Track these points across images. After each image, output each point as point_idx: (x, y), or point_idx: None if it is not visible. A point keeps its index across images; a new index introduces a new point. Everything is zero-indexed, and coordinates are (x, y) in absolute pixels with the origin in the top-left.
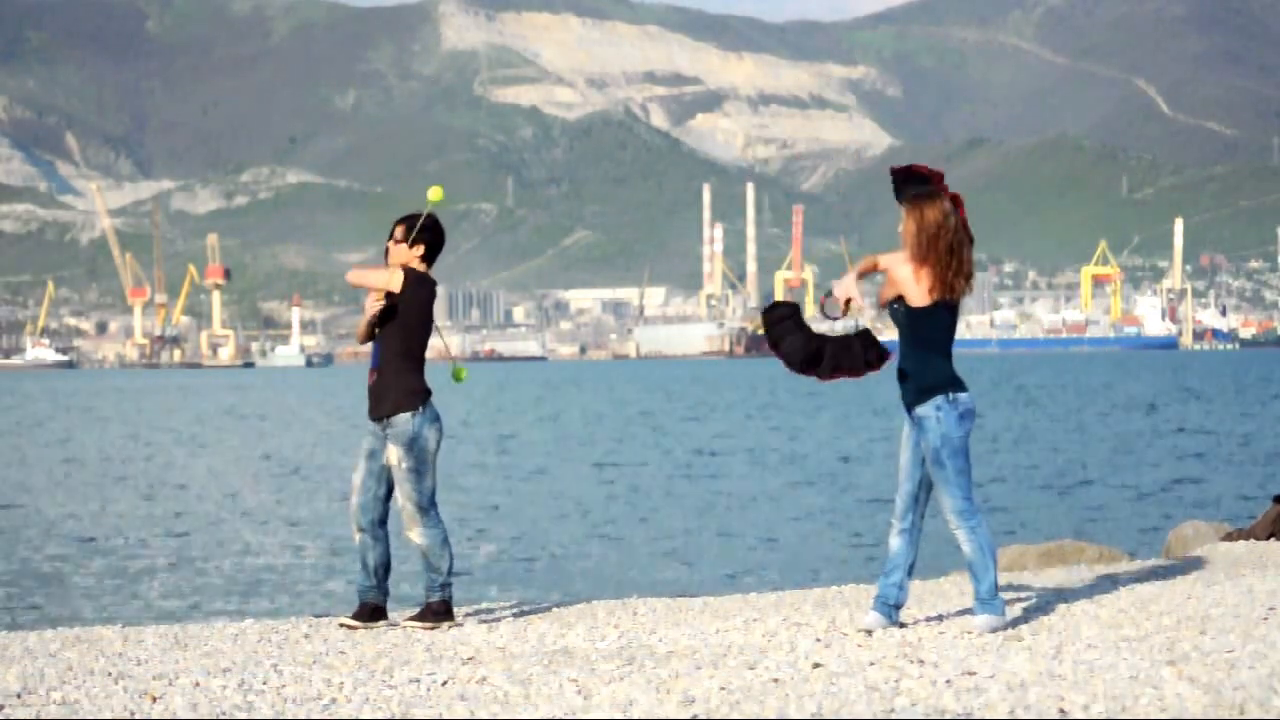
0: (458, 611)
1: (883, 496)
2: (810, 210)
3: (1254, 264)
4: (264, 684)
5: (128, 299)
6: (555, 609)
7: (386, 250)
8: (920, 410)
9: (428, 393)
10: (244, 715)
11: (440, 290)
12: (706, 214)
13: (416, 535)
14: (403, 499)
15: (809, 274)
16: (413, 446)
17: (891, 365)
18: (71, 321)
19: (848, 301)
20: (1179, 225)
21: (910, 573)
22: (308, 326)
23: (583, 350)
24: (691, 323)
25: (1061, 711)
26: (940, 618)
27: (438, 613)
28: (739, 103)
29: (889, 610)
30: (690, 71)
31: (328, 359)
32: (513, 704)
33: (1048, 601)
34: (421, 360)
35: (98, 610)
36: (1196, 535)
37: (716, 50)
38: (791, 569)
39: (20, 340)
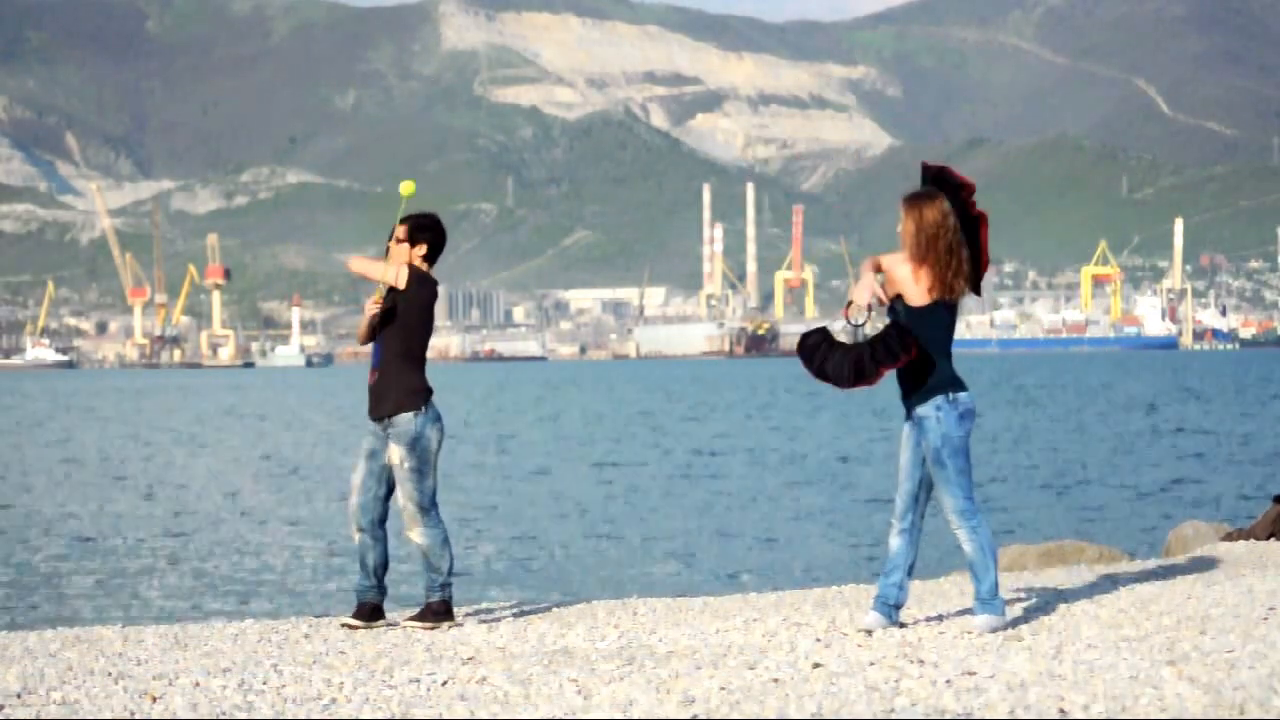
0: (458, 611)
1: (882, 496)
2: (810, 210)
3: (1254, 264)
4: (264, 684)
5: (128, 299)
6: (555, 609)
7: (388, 250)
8: (920, 410)
9: (429, 392)
10: (244, 715)
11: (440, 290)
12: (706, 214)
13: (417, 535)
14: (404, 499)
15: (809, 274)
16: (415, 446)
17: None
18: (71, 321)
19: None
20: (1179, 225)
21: (910, 573)
22: (308, 326)
23: (583, 350)
24: (691, 323)
25: (1061, 711)
26: (940, 618)
27: (438, 613)
28: (739, 103)
29: (889, 610)
30: (690, 71)
31: (328, 359)
32: (513, 704)
33: (1048, 601)
34: (423, 360)
35: (97, 610)
36: (1196, 535)
37: (716, 50)
38: (791, 569)
39: (20, 340)
